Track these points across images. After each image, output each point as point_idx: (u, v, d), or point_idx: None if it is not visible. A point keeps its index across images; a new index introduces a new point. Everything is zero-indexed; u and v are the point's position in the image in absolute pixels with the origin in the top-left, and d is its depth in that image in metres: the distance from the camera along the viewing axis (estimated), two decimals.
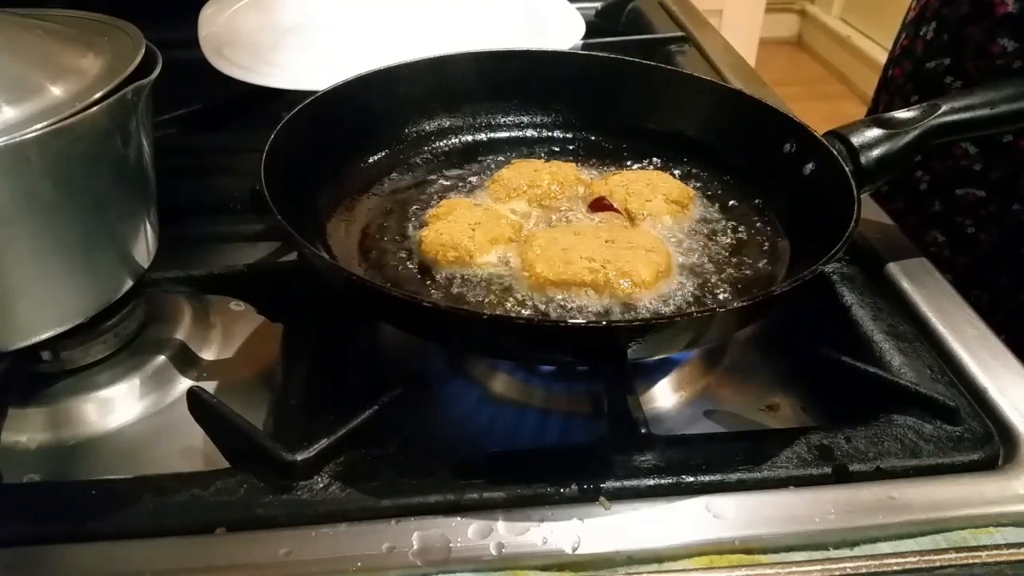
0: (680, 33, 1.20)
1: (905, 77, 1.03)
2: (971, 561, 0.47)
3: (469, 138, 0.83)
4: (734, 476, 0.52)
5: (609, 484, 0.51)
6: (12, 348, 0.57)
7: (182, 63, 0.72)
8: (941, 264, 0.69)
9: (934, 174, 0.97)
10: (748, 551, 0.48)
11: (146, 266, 0.65)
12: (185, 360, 0.66)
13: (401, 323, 0.59)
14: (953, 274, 0.68)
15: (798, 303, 0.60)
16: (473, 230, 0.65)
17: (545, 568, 0.47)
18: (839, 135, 0.68)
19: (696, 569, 0.47)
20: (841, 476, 0.52)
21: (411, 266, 0.65)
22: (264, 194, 0.58)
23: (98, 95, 0.54)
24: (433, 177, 0.77)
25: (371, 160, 0.78)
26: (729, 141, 0.78)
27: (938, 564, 0.47)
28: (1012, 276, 0.95)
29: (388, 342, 0.69)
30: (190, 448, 0.58)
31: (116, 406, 0.62)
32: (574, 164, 0.77)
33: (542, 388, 0.64)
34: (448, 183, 0.77)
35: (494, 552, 0.47)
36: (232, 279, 0.68)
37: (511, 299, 0.61)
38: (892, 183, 0.98)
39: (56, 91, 0.54)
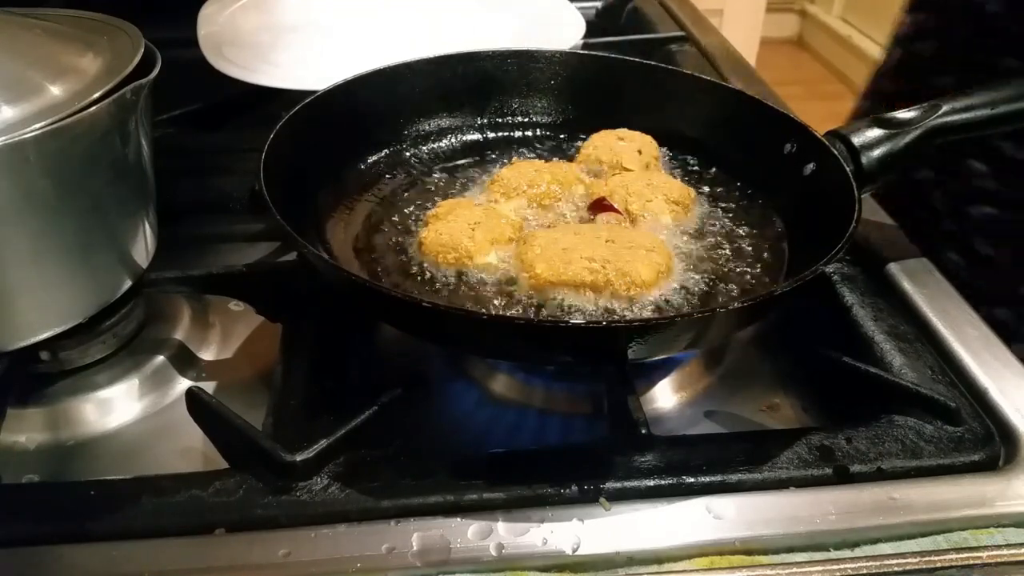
0: (680, 33, 1.20)
1: (898, 90, 1.01)
2: (972, 562, 0.47)
3: (469, 138, 0.83)
4: (735, 477, 0.51)
5: (609, 485, 0.50)
6: (11, 348, 0.57)
7: (181, 63, 0.72)
8: (959, 285, 0.68)
9: (945, 193, 0.97)
10: (748, 552, 0.48)
11: (145, 266, 0.64)
12: (184, 360, 0.66)
13: (401, 323, 0.59)
14: (974, 293, 0.68)
15: (799, 303, 0.60)
16: (473, 230, 0.65)
17: (545, 569, 0.47)
18: (840, 135, 0.67)
19: (697, 570, 0.47)
20: (842, 477, 0.52)
21: (411, 266, 0.65)
22: (263, 194, 0.58)
23: (97, 95, 0.54)
24: (433, 177, 0.77)
25: (371, 160, 0.78)
26: (729, 141, 0.78)
27: (939, 565, 0.47)
28: None
29: (388, 342, 0.69)
30: (189, 448, 0.58)
31: (115, 406, 0.62)
32: (574, 164, 0.77)
33: (542, 388, 0.64)
34: (448, 183, 0.76)
35: (494, 553, 0.47)
36: (231, 279, 0.68)
37: (511, 299, 0.61)
38: (902, 199, 0.97)
39: (55, 91, 0.54)
